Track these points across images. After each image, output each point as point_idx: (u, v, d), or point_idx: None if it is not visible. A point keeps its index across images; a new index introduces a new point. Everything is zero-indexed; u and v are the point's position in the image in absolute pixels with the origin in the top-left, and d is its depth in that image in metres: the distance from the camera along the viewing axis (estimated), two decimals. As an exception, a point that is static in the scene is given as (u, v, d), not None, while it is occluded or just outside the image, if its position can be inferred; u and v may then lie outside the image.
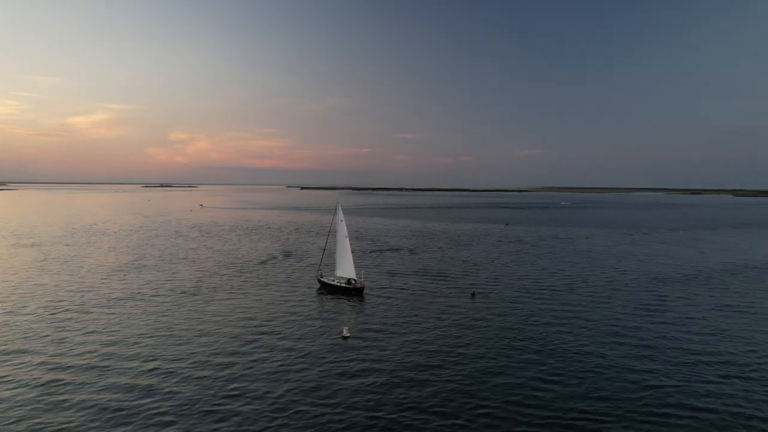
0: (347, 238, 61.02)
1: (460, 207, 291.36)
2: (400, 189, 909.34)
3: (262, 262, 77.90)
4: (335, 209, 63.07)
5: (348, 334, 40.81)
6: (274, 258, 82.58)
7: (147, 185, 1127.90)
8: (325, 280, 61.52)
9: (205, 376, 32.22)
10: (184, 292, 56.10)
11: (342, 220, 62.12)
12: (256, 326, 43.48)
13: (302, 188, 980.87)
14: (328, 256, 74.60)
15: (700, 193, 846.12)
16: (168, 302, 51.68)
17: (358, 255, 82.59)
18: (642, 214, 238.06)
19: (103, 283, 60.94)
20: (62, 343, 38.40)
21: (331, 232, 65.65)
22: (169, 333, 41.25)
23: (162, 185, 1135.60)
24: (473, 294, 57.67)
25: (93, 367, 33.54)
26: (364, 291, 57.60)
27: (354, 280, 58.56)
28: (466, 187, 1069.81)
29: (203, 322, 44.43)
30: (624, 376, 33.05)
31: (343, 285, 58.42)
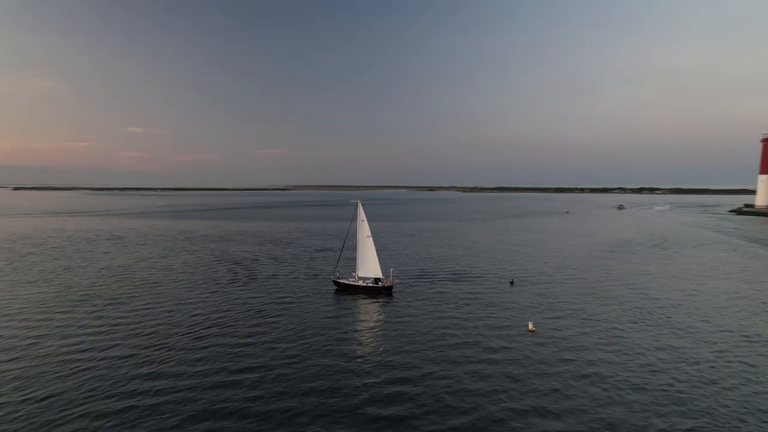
0: (369, 238, 61.22)
1: (267, 207, 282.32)
2: (154, 189, 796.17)
3: (249, 272, 72.32)
4: (355, 209, 62.69)
5: (534, 329, 41.29)
6: (243, 266, 77.11)
7: None
8: (344, 281, 60.71)
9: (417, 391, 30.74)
10: (250, 312, 49.44)
11: (363, 220, 61.54)
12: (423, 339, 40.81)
13: (15, 189, 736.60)
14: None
15: (435, 190, 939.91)
16: (246, 324, 45.19)
17: (291, 260, 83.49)
18: (454, 207, 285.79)
19: (115, 320, 47.70)
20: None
21: (351, 233, 65.86)
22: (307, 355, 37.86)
23: None
24: (511, 282, 60.58)
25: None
26: (393, 289, 58.48)
27: (380, 279, 59.40)
28: (213, 186, 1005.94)
29: (337, 341, 40.21)
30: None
31: (370, 285, 58.68)
